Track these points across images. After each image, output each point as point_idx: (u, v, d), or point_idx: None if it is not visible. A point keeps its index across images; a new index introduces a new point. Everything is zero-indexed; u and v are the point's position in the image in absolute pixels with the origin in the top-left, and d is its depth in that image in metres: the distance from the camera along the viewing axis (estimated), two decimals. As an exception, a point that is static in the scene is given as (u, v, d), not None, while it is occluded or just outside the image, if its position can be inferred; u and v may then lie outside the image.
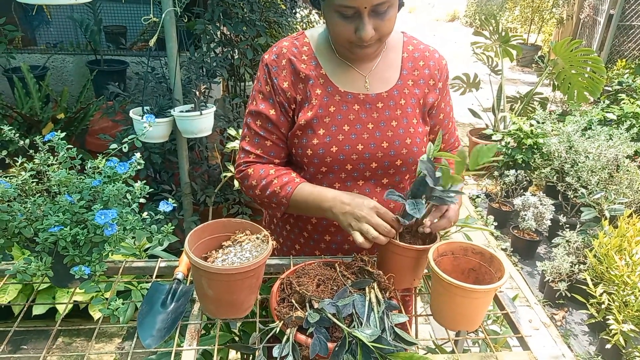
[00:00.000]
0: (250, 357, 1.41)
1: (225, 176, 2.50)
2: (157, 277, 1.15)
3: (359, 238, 1.03)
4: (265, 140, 1.22)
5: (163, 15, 2.11)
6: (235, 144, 2.44)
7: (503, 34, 4.41)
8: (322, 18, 4.39)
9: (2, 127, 1.04)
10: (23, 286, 2.18)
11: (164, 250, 1.97)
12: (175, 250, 2.42)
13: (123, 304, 0.93)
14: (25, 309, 1.06)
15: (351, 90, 1.19)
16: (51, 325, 2.29)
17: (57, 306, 2.21)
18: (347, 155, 1.17)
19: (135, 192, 1.01)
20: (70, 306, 1.13)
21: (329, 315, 0.89)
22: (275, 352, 0.87)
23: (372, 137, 1.18)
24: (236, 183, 2.47)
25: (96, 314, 2.24)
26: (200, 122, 2.23)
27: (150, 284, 1.07)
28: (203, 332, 1.22)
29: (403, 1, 1.15)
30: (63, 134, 1.03)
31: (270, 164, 1.23)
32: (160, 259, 1.19)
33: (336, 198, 1.10)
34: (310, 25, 4.27)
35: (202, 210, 2.71)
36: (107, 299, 1.03)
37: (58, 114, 2.90)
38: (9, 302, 2.15)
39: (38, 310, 2.17)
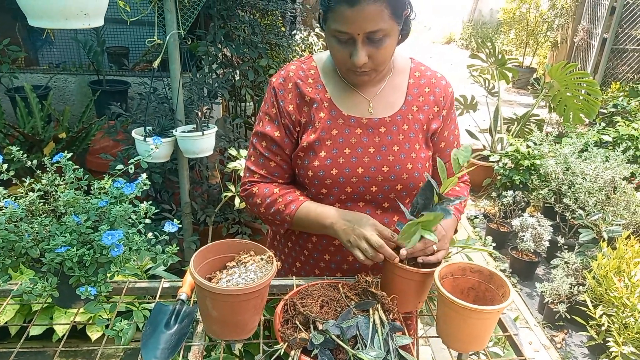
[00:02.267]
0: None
1: (225, 196, 2.51)
2: (159, 297, 1.15)
3: (359, 255, 1.07)
4: (269, 162, 1.25)
5: (167, 38, 2.14)
6: (235, 164, 2.46)
7: (499, 56, 4.49)
8: (320, 40, 4.46)
9: (9, 147, 1.05)
10: (20, 306, 2.16)
11: (164, 270, 1.97)
12: (174, 270, 2.41)
13: (127, 324, 0.93)
14: (28, 329, 1.05)
15: (354, 114, 1.21)
16: (47, 345, 2.27)
17: (55, 327, 2.19)
18: (347, 178, 1.19)
19: (140, 213, 1.02)
20: (70, 327, 1.12)
21: (334, 337, 0.89)
22: (280, 374, 0.87)
23: (373, 160, 1.20)
24: (236, 202, 2.47)
25: (94, 335, 2.21)
26: (202, 142, 2.25)
27: (153, 305, 1.07)
28: (205, 353, 1.21)
29: (408, 31, 1.17)
30: (70, 155, 1.04)
31: (274, 183, 1.26)
32: (163, 280, 1.19)
33: (338, 215, 1.14)
34: (309, 46, 4.34)
35: (202, 230, 2.71)
36: (108, 319, 1.03)
37: (60, 133, 2.92)
38: (6, 323, 2.13)
39: (35, 330, 2.15)
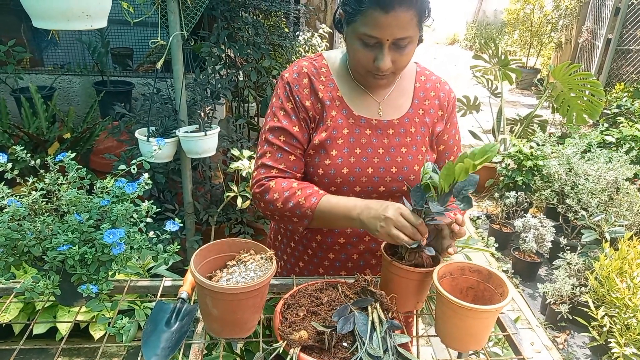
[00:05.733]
0: (252, 378, 1.40)
1: (227, 196, 2.52)
2: (160, 296, 1.16)
3: (400, 236, 1.01)
4: (289, 155, 1.21)
5: (170, 39, 2.16)
6: (238, 164, 2.47)
7: (502, 57, 4.49)
8: (324, 41, 4.47)
9: (14, 147, 1.06)
10: (24, 305, 2.18)
11: (166, 269, 1.99)
12: (177, 269, 2.43)
13: (128, 322, 0.94)
14: (30, 327, 1.07)
15: (365, 114, 1.22)
16: (51, 344, 2.28)
17: (58, 325, 2.20)
18: (357, 178, 1.20)
19: (142, 212, 1.03)
20: (72, 325, 1.13)
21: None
22: (279, 372, 0.88)
23: (382, 161, 1.21)
24: (239, 202, 2.48)
25: (96, 334, 2.23)
26: (205, 143, 2.27)
27: (154, 303, 1.08)
28: (206, 352, 1.22)
29: (422, 38, 1.18)
30: (73, 155, 1.05)
31: (292, 179, 1.22)
32: (164, 278, 1.20)
33: (364, 204, 1.09)
34: (312, 48, 4.35)
35: (204, 229, 2.72)
36: (110, 317, 1.04)
37: (64, 133, 2.94)
38: (10, 321, 2.15)
39: (39, 329, 2.17)
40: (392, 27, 1.05)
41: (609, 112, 4.87)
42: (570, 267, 2.87)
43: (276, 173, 1.20)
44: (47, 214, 1.00)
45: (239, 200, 2.49)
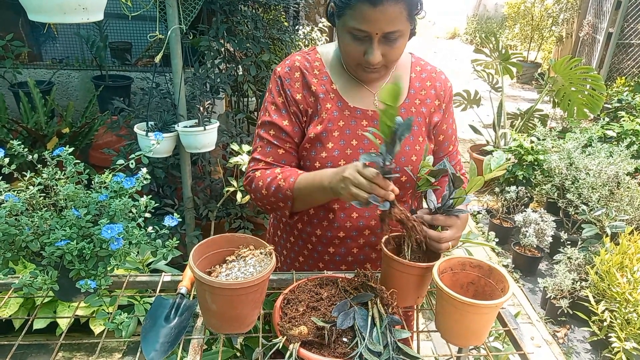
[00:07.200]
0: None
1: (227, 191, 2.52)
2: (160, 291, 1.16)
3: (359, 193, 0.99)
4: (277, 149, 1.22)
5: (169, 33, 2.14)
6: (238, 159, 2.46)
7: (503, 51, 4.47)
8: (323, 35, 4.45)
9: (12, 142, 1.05)
10: (24, 300, 2.18)
11: (166, 264, 1.98)
12: (177, 264, 2.43)
13: (127, 317, 0.93)
14: (29, 323, 1.06)
15: (360, 106, 1.22)
16: (51, 339, 2.28)
17: (58, 320, 2.20)
18: None
19: (141, 207, 1.02)
20: (71, 320, 1.13)
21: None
22: (278, 368, 0.87)
23: None
24: (239, 197, 2.48)
25: (97, 329, 2.23)
26: (204, 138, 2.26)
27: (153, 299, 1.08)
28: (205, 347, 1.22)
29: (415, 31, 1.17)
30: (71, 149, 1.05)
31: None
32: (163, 274, 1.20)
33: (331, 171, 1.09)
34: (312, 41, 4.32)
35: (204, 224, 2.71)
36: (110, 313, 1.03)
37: (63, 128, 2.93)
38: (10, 316, 2.15)
39: (39, 324, 2.16)
40: (380, 21, 1.05)
41: (609, 106, 4.85)
42: (570, 262, 2.86)
43: (263, 165, 1.22)
44: (45, 209, 0.99)
45: (239, 195, 2.48)
